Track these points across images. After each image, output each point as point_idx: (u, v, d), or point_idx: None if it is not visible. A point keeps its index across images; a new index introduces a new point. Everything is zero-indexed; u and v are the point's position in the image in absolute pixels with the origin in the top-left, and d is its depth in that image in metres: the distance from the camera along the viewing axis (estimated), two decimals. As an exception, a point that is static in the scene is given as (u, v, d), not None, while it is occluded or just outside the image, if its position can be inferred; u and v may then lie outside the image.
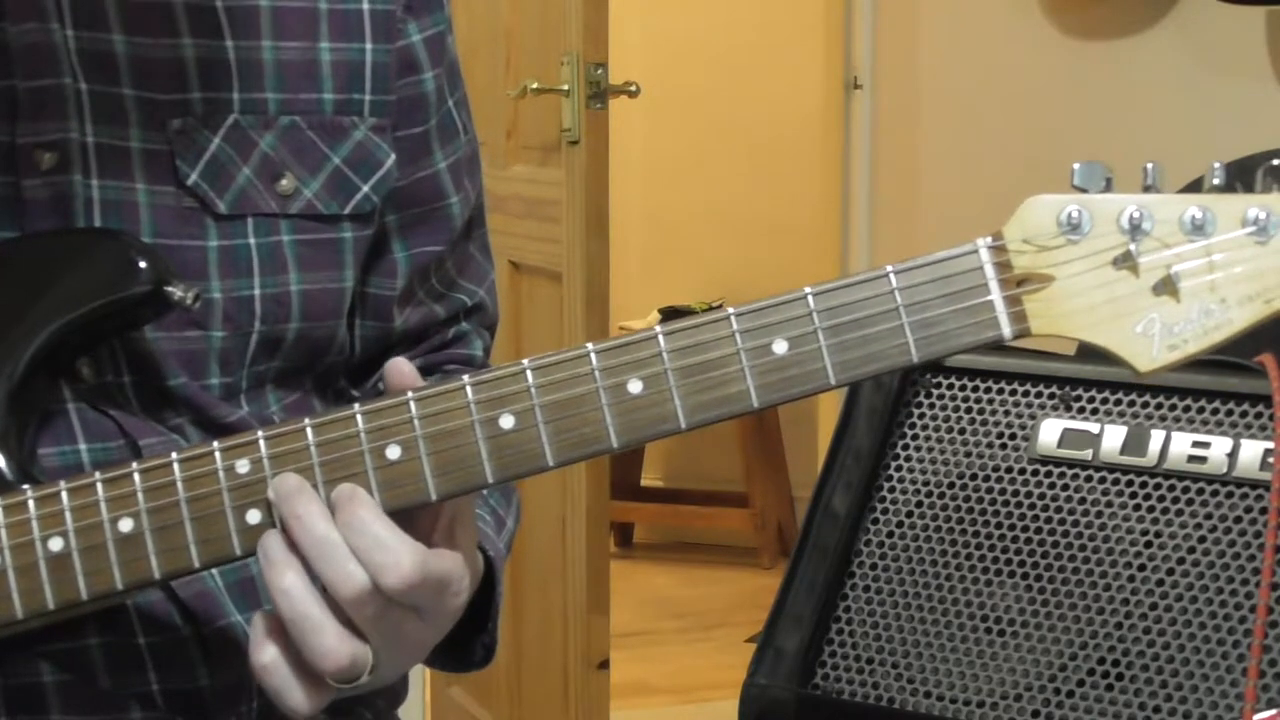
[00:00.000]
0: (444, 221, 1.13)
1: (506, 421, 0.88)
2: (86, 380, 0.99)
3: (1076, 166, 0.86)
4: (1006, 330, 0.86)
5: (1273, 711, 1.23)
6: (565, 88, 2.81)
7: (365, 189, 1.06)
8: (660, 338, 0.87)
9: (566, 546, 2.91)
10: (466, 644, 1.04)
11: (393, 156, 1.07)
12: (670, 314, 4.83)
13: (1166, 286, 0.84)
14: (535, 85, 2.89)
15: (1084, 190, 0.86)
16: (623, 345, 0.87)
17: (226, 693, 1.01)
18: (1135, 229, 0.85)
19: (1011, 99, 3.66)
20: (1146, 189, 0.85)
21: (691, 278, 5.06)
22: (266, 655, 0.88)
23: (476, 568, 0.97)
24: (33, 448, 0.97)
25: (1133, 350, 0.85)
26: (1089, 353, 1.41)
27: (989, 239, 0.86)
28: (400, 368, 0.90)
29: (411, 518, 0.90)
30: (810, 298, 0.86)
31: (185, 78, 1.01)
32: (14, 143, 0.97)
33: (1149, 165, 0.86)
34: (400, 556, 0.86)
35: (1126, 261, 0.85)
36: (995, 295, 0.85)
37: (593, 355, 0.87)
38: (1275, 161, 0.86)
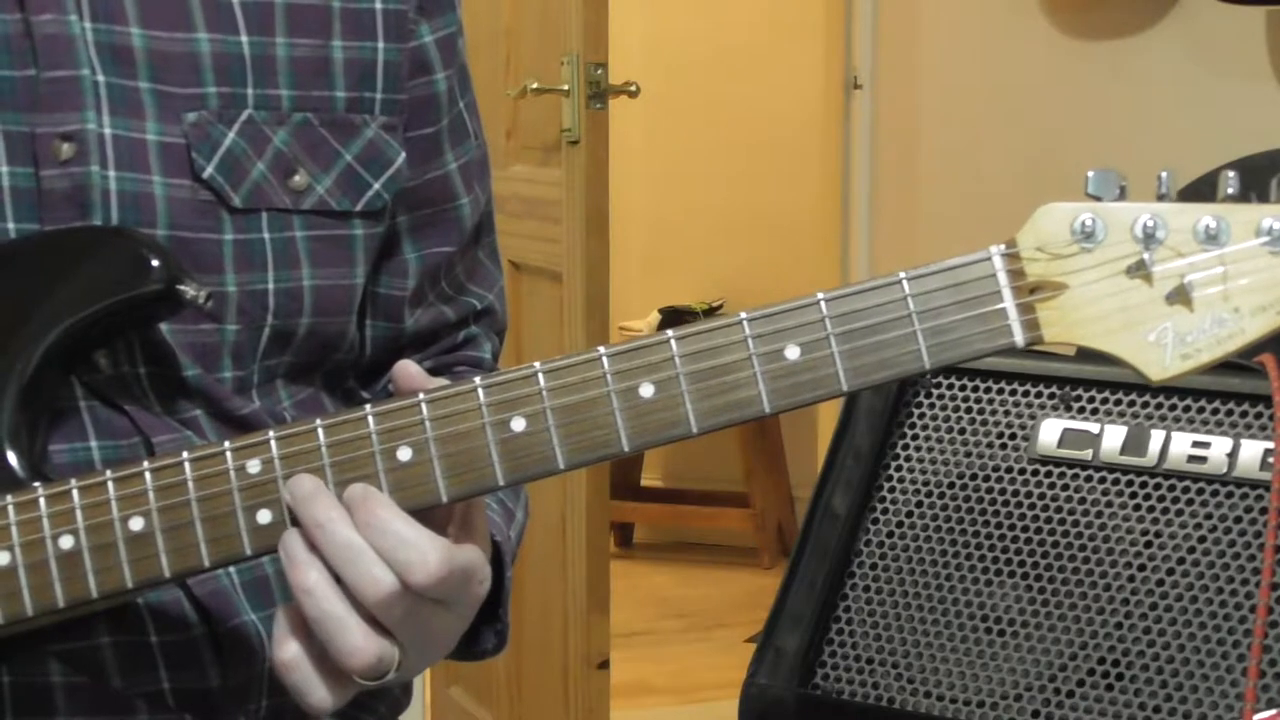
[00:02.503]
0: (454, 223, 1.13)
1: (518, 424, 0.88)
2: (103, 371, 0.99)
3: (1090, 174, 0.86)
4: (1019, 338, 0.86)
5: (1273, 711, 1.23)
6: (565, 88, 2.81)
7: (376, 186, 1.06)
8: (672, 342, 0.87)
9: (566, 546, 2.91)
10: (477, 633, 1.04)
11: (403, 155, 1.08)
12: (670, 314, 4.83)
13: (1180, 295, 0.84)
14: (535, 85, 2.89)
15: (1098, 198, 0.86)
16: (635, 349, 0.87)
17: (237, 692, 1.01)
18: (1149, 238, 0.85)
19: (1011, 99, 3.66)
20: (1160, 198, 0.85)
21: (691, 278, 5.06)
22: (288, 652, 0.88)
23: (488, 555, 0.97)
24: (44, 445, 0.97)
25: (1145, 359, 0.85)
26: (1090, 352, 1.41)
27: (1002, 246, 0.86)
28: (408, 369, 0.90)
29: (430, 510, 0.90)
30: (823, 303, 0.86)
31: (200, 72, 1.01)
32: (33, 133, 0.97)
33: (1163, 174, 0.86)
34: (426, 553, 0.86)
35: (1140, 270, 0.85)
36: (1008, 303, 0.85)
37: (604, 359, 0.87)
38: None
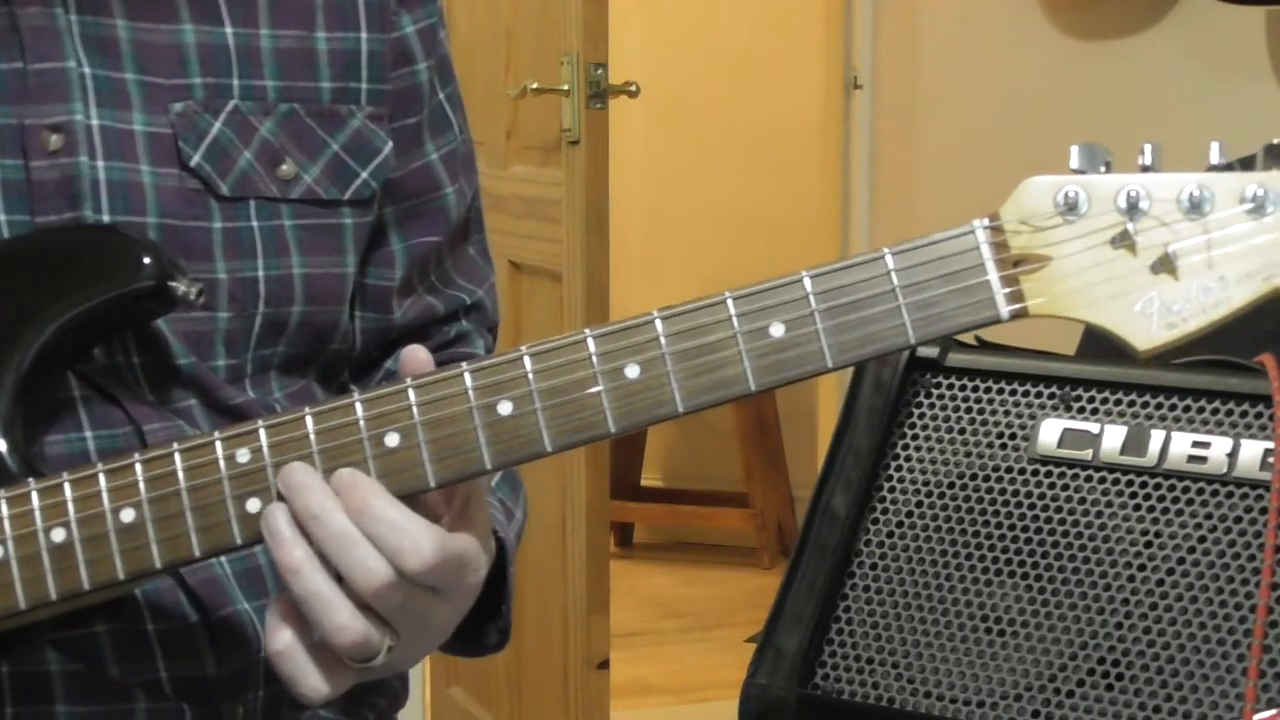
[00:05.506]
0: (440, 212, 1.14)
1: (504, 408, 0.88)
2: (96, 360, 0.99)
3: (1075, 148, 0.86)
4: (1004, 310, 0.86)
5: (1273, 711, 1.23)
6: (565, 88, 2.81)
7: (364, 175, 1.07)
8: (657, 322, 0.87)
9: (566, 546, 2.91)
10: (480, 629, 1.04)
11: (390, 144, 1.08)
12: (670, 314, 4.83)
13: (1164, 265, 0.84)
14: (535, 85, 2.89)
15: (1082, 172, 0.86)
16: (620, 330, 0.88)
17: (233, 681, 1.02)
18: (1133, 208, 0.85)
19: (1012, 99, 3.66)
20: (1144, 169, 0.85)
21: (691, 278, 5.06)
22: (280, 641, 0.88)
23: (490, 550, 0.97)
24: (40, 439, 0.97)
25: (1132, 329, 0.85)
26: (1089, 352, 1.41)
27: (985, 220, 0.86)
28: (416, 355, 0.90)
29: (425, 499, 0.91)
30: (807, 280, 0.87)
31: (186, 63, 1.02)
32: (21, 124, 0.98)
33: (1147, 146, 0.85)
34: (419, 539, 0.86)
35: (1124, 240, 0.85)
36: (992, 275, 0.86)
37: (590, 341, 0.88)
38: (1276, 141, 0.86)
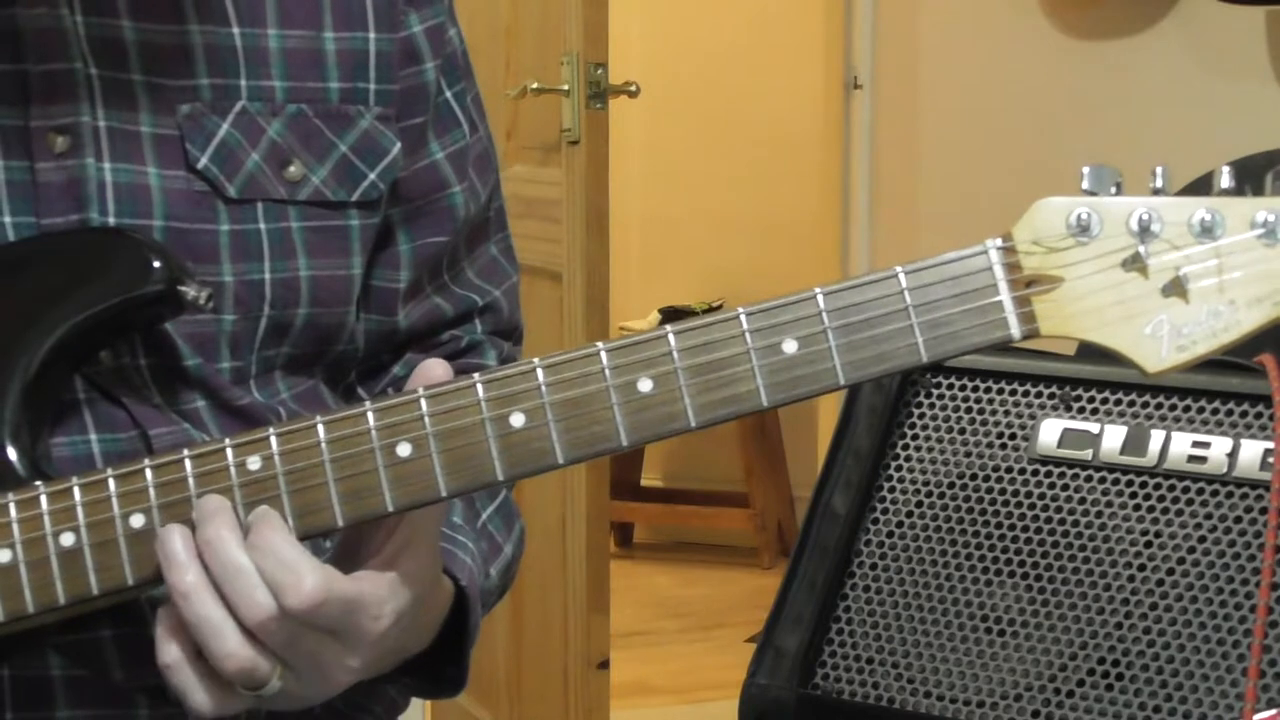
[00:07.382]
0: (446, 212, 1.13)
1: (517, 420, 0.88)
2: (104, 363, 0.99)
3: (1086, 170, 0.86)
4: (1015, 331, 0.86)
5: (1273, 711, 1.23)
6: (565, 88, 2.81)
7: (372, 176, 1.07)
8: (670, 337, 0.87)
9: (566, 546, 2.91)
10: (440, 670, 1.04)
11: (398, 145, 1.08)
12: (670, 314, 4.83)
13: (1175, 288, 0.85)
14: (535, 85, 2.89)
15: (1093, 193, 0.86)
16: (633, 344, 0.88)
17: None
18: (1144, 231, 0.85)
19: (1011, 99, 3.67)
20: (1155, 192, 0.86)
21: (691, 278, 5.06)
22: (170, 655, 0.89)
23: (439, 596, 0.97)
24: (46, 443, 0.97)
25: (1142, 352, 0.85)
26: (1089, 352, 1.41)
27: (998, 240, 0.87)
28: (433, 371, 0.91)
29: (358, 542, 0.91)
30: (820, 297, 0.87)
31: (193, 64, 1.02)
32: (27, 126, 0.98)
33: (1158, 168, 0.86)
34: (302, 576, 0.87)
35: (1135, 263, 0.85)
36: (1004, 296, 0.86)
37: (603, 354, 0.88)
38: (1288, 164, 0.86)
